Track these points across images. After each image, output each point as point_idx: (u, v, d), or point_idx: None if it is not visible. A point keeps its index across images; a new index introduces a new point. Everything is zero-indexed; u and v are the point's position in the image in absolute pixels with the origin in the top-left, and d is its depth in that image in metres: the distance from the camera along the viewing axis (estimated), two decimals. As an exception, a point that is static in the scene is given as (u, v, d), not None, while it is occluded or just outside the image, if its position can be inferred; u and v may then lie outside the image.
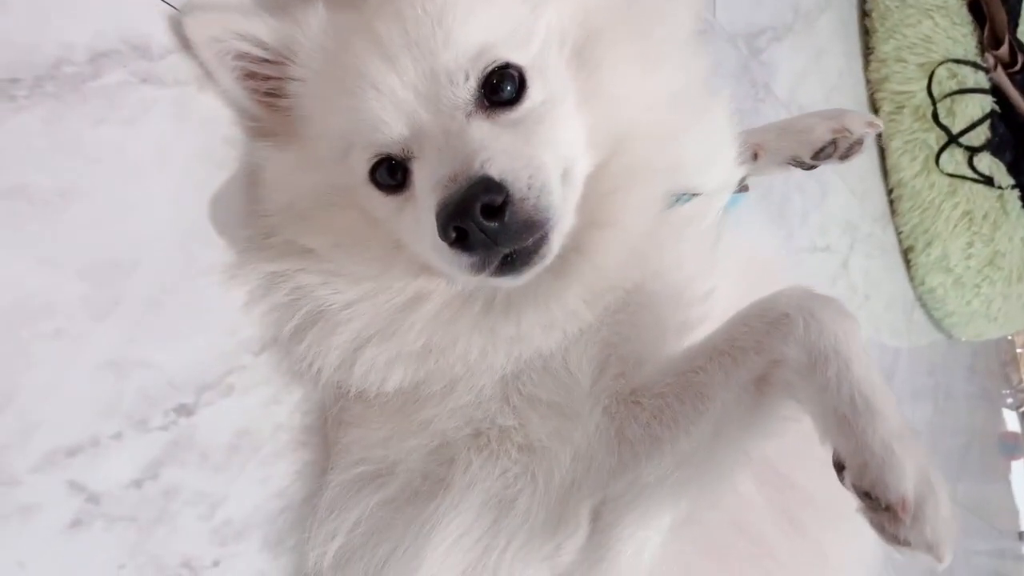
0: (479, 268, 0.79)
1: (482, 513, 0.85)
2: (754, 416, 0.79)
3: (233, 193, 0.94)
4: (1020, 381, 4.85)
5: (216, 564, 0.87)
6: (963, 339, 3.53)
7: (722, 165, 1.01)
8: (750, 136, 1.23)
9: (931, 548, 0.64)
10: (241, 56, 0.92)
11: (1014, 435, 4.83)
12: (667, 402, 0.81)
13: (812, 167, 1.24)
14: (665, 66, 0.91)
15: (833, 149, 1.22)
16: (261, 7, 0.96)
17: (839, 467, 0.70)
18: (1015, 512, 4.56)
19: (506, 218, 0.75)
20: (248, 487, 0.91)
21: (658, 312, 0.89)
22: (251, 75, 0.94)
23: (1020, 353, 4.94)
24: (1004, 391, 4.73)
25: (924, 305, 3.25)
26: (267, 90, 0.95)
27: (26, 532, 0.73)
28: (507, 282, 0.84)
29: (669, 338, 0.88)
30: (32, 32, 0.78)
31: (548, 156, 0.81)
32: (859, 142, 1.21)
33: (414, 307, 0.90)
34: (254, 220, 0.94)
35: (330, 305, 0.90)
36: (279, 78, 0.94)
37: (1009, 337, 4.79)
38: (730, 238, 0.99)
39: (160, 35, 0.88)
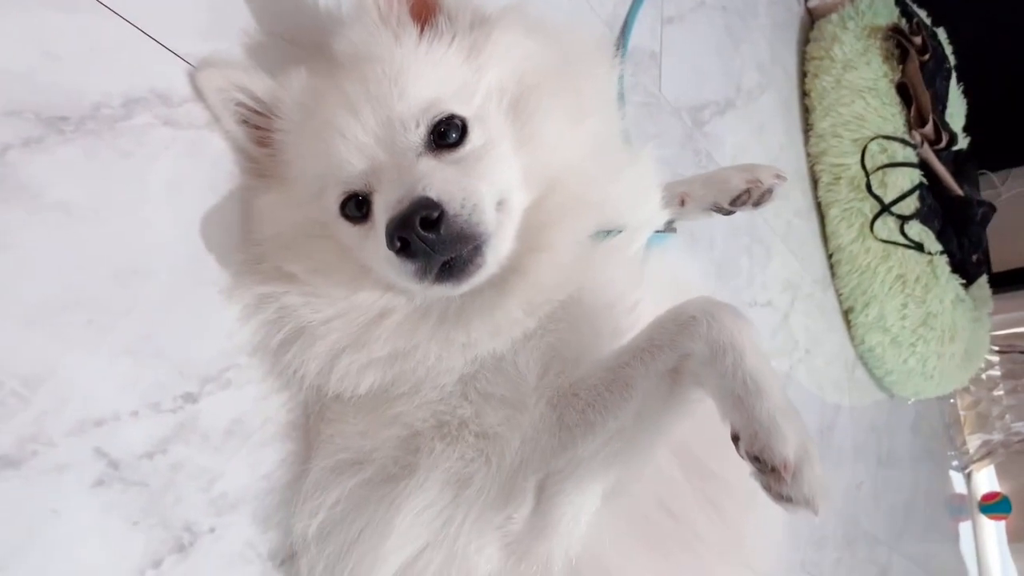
0: (422, 274, 0.94)
1: (444, 490, 0.97)
2: (669, 400, 0.93)
3: (232, 221, 1.09)
4: (963, 443, 5.02)
5: (212, 531, 1.00)
6: (905, 397, 3.70)
7: (646, 206, 1.17)
8: (678, 186, 1.42)
9: (808, 502, 0.76)
10: (240, 105, 1.09)
11: (960, 497, 4.98)
12: (599, 392, 0.94)
13: (730, 212, 1.42)
14: (588, 120, 1.08)
15: (747, 197, 1.40)
16: (260, 65, 1.14)
17: (735, 438, 0.83)
18: (963, 571, 4.68)
19: (442, 230, 0.90)
20: (240, 467, 1.04)
21: (593, 321, 1.04)
22: (245, 122, 1.10)
23: (964, 416, 5.12)
24: (949, 453, 4.88)
25: (865, 363, 3.43)
26: (258, 137, 1.11)
27: (60, 486, 0.87)
28: (448, 289, 0.98)
29: (602, 342, 1.02)
30: (79, 80, 0.94)
31: (483, 186, 0.97)
32: (769, 191, 1.40)
33: (380, 321, 1.04)
34: (247, 247, 1.09)
35: (310, 322, 1.04)
36: (267, 129, 1.10)
37: (952, 400, 4.99)
38: (655, 264, 1.15)
39: (179, 86, 1.05)
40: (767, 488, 0.79)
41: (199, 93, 1.06)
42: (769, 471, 0.78)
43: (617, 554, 0.99)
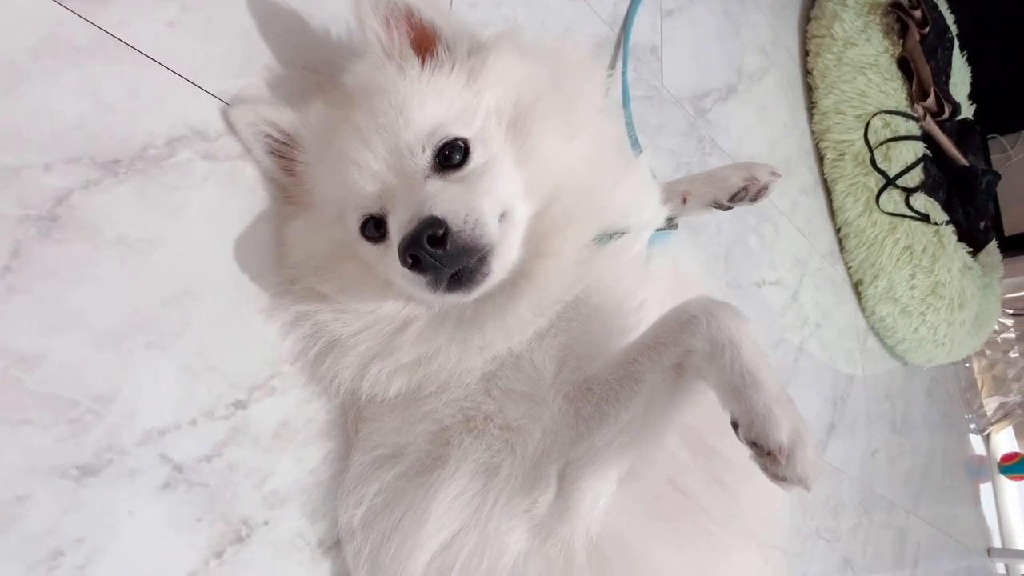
0: (434, 286, 1.02)
1: (474, 478, 1.06)
2: (674, 392, 1.02)
3: (267, 243, 1.19)
4: (980, 406, 5.07)
5: (266, 523, 1.10)
6: (918, 364, 3.76)
7: (646, 208, 1.24)
8: (680, 184, 1.50)
9: (801, 481, 0.84)
10: (268, 137, 1.18)
11: (980, 458, 5.04)
12: (611, 387, 1.02)
13: (729, 208, 1.50)
14: (583, 132, 1.16)
15: (745, 193, 1.49)
16: (283, 94, 1.23)
17: (735, 425, 0.90)
18: (984, 531, 4.74)
19: (448, 245, 0.98)
20: (288, 465, 1.15)
21: (603, 320, 1.12)
22: (274, 153, 1.20)
23: (980, 379, 5.17)
24: (967, 416, 4.93)
25: (877, 333, 3.50)
26: (285, 167, 1.21)
27: (133, 489, 0.98)
28: (459, 297, 1.05)
29: (612, 339, 1.10)
30: (127, 124, 1.05)
31: (486, 201, 1.04)
32: (765, 188, 1.48)
33: (404, 330, 1.13)
34: (281, 270, 1.18)
35: (341, 335, 1.14)
36: (293, 159, 1.20)
37: (968, 364, 5.04)
38: (659, 262, 1.23)
39: (215, 122, 1.15)
40: (764, 469, 0.87)
41: (232, 128, 1.16)
42: (766, 454, 0.85)
43: (634, 531, 1.07)
